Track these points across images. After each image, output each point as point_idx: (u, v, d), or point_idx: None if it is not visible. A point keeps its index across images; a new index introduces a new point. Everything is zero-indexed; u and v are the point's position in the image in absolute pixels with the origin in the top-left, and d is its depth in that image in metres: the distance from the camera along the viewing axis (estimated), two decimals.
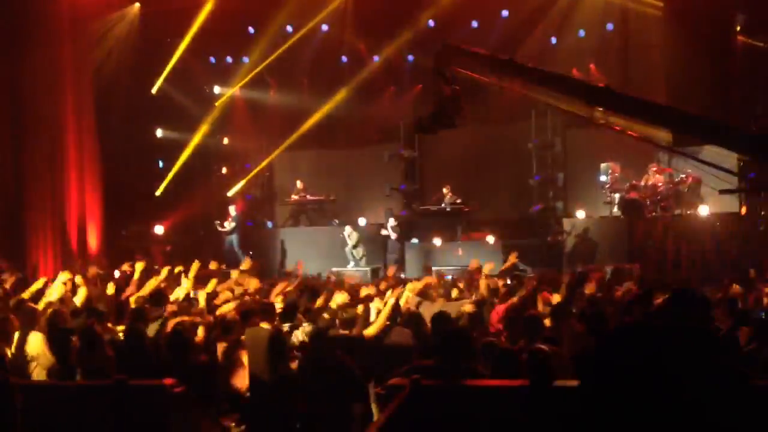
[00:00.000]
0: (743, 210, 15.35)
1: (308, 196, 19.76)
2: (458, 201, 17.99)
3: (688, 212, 15.92)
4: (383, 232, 17.68)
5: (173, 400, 5.32)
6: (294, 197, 19.82)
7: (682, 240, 15.09)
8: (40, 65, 15.23)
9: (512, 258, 10.71)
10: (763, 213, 14.46)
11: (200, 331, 7.10)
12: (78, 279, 9.45)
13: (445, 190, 18.31)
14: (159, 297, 8.31)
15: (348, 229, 17.52)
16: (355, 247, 17.29)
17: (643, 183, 16.48)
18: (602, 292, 8.90)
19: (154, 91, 18.78)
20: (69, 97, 16.04)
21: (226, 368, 6.98)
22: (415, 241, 17.57)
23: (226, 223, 18.03)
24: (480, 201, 18.47)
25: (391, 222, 17.79)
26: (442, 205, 18.15)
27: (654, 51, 17.51)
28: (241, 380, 6.97)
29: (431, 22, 18.85)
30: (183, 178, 19.35)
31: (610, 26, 18.17)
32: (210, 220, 18.61)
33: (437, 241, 17.10)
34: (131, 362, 6.12)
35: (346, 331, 7.29)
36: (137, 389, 5.15)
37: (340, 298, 8.50)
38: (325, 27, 19.13)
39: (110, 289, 9.06)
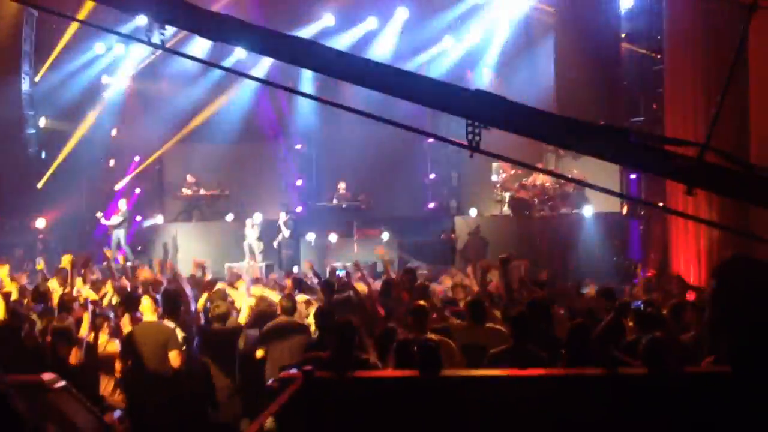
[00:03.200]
0: (624, 210, 16.07)
1: (201, 191, 19.39)
2: (355, 197, 18.10)
3: (574, 211, 16.55)
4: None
5: (53, 396, 5.10)
6: (186, 191, 19.39)
7: (566, 238, 15.69)
8: None
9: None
10: (642, 213, 15.18)
11: (83, 328, 6.85)
12: None
13: (340, 186, 18.35)
14: (41, 294, 7.99)
15: (250, 221, 17.28)
16: (259, 239, 17.09)
17: (531, 183, 17.01)
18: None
19: (37, 79, 17.93)
20: None
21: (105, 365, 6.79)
22: (310, 237, 17.51)
23: (113, 217, 17.42)
24: (375, 198, 18.63)
25: (283, 217, 17.69)
26: (336, 201, 18.19)
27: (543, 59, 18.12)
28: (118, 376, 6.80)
29: (332, 21, 18.90)
30: (68, 171, 18.54)
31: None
32: (95, 214, 17.94)
33: (333, 238, 17.11)
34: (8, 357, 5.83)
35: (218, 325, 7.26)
36: (13, 385, 4.89)
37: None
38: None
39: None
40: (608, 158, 4.08)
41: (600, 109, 16.98)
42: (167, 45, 4.47)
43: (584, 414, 4.89)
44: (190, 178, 19.34)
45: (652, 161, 3.79)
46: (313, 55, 4.00)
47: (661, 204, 13.57)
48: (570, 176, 16.55)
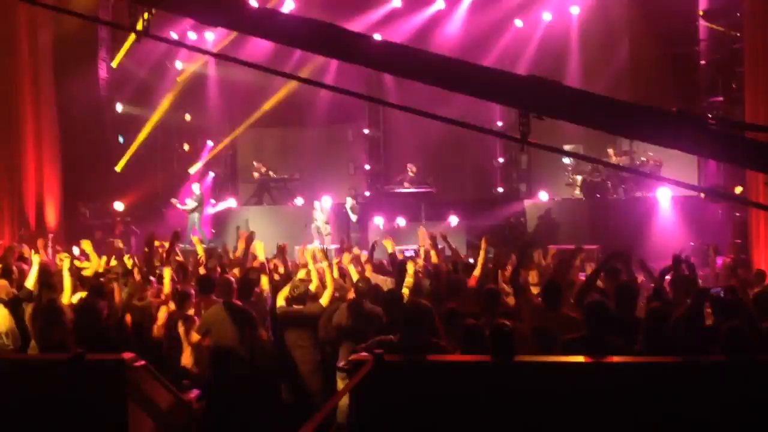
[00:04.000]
0: (702, 195, 15.59)
1: (272, 174, 19.66)
2: (423, 181, 18.06)
3: (649, 195, 16.15)
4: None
5: (132, 374, 5.25)
6: (257, 175, 19.70)
7: (641, 222, 15.34)
8: None
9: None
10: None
11: (162, 312, 7.06)
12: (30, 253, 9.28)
13: (410, 168, 18.33)
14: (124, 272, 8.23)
15: (318, 204, 17.42)
16: (327, 222, 17.21)
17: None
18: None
19: (114, 64, 18.39)
20: (26, 68, 15.60)
21: (180, 343, 6.95)
22: (378, 221, 17.55)
23: (188, 201, 17.80)
24: (443, 182, 18.55)
25: (349, 202, 17.76)
26: (406, 183, 18.17)
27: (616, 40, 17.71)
28: (192, 356, 6.95)
29: (399, 2, 18.84)
30: (144, 155, 19.03)
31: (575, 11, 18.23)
32: (171, 198, 18.37)
33: (401, 221, 17.13)
34: (88, 337, 6.01)
35: (300, 307, 7.32)
36: (95, 364, 5.07)
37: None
38: (291, 4, 18.89)
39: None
40: (682, 148, 3.76)
41: (677, 89, 16.57)
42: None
43: (661, 403, 4.78)
44: (257, 164, 19.64)
45: (730, 150, 3.45)
46: (354, 48, 3.71)
47: (740, 189, 13.13)
48: (643, 159, 16.25)
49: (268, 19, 3.73)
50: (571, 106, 3.38)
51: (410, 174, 18.28)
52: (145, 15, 3.77)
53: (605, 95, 3.52)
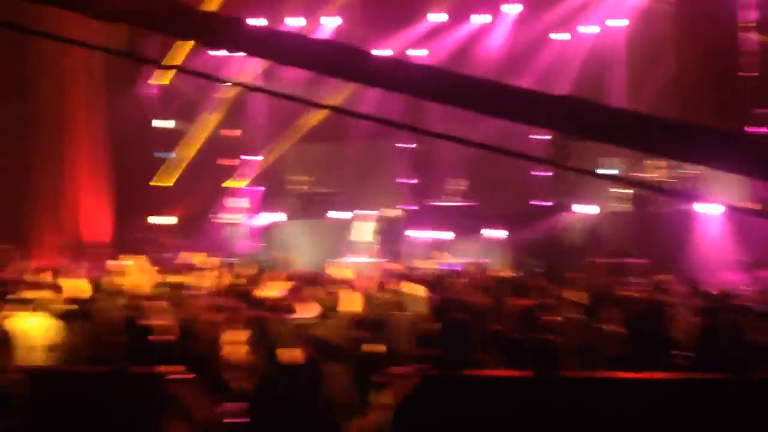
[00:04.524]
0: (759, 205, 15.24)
1: (316, 188, 19.80)
2: (467, 195, 18.01)
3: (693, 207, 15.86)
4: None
5: (176, 388, 5.33)
6: (302, 188, 19.82)
7: (684, 235, 15.09)
8: (48, 50, 15.13)
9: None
10: None
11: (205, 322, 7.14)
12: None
13: (460, 183, 18.31)
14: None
15: (363, 217, 17.41)
16: (370, 236, 17.20)
17: (649, 178, 16.40)
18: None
19: (166, 81, 18.75)
20: (80, 85, 15.96)
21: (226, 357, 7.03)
22: (424, 234, 17.44)
23: (234, 215, 18.01)
24: (488, 195, 18.44)
25: (393, 213, 17.69)
26: (457, 197, 18.11)
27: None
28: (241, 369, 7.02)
29: (445, 17, 18.91)
30: (191, 169, 19.35)
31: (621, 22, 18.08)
32: (218, 212, 18.61)
33: (446, 235, 17.11)
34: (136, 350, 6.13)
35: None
36: (139, 377, 5.16)
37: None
38: (338, 20, 19.08)
39: None
40: (730, 170, 3.59)
41: (721, 102, 16.28)
42: None
43: (708, 419, 4.70)
44: (306, 178, 19.79)
45: None
46: (358, 68, 3.49)
47: None
48: (683, 172, 15.93)
49: (272, 40, 3.63)
50: (610, 127, 3.25)
51: (461, 188, 18.25)
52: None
53: (646, 113, 3.38)
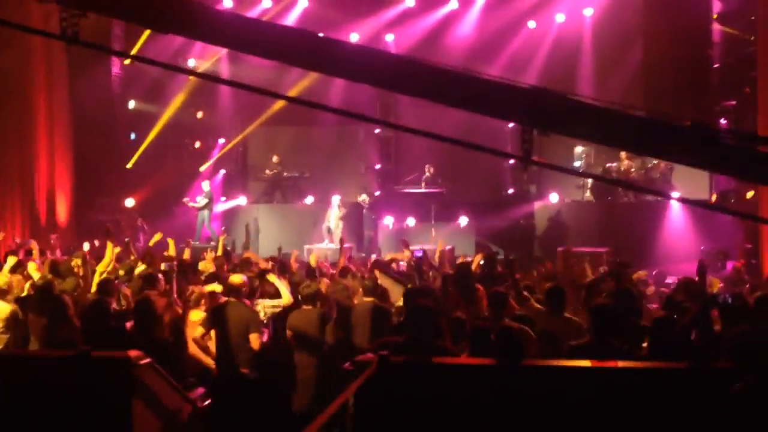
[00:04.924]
0: (713, 197, 15.53)
1: (284, 173, 19.69)
2: (434, 182, 18.06)
3: (659, 198, 16.09)
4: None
5: (138, 372, 5.27)
6: (268, 172, 19.72)
7: (650, 225, 15.31)
8: (9, 31, 14.84)
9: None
10: (732, 200, 14.62)
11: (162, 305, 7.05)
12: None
13: (427, 169, 18.31)
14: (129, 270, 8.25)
15: (336, 199, 17.31)
16: (338, 222, 17.12)
17: (615, 168, 16.60)
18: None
19: (127, 61, 18.46)
20: (40, 65, 15.69)
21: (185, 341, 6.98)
22: (388, 220, 17.54)
23: (198, 198, 17.84)
24: (453, 182, 18.51)
25: (364, 198, 17.69)
26: (423, 184, 18.13)
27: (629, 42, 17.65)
28: (202, 354, 6.98)
29: (412, 2, 18.85)
30: (155, 152, 19.10)
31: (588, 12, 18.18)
32: (181, 195, 18.41)
33: (410, 222, 17.14)
34: (96, 334, 6.04)
35: (309, 306, 7.32)
36: (101, 361, 5.08)
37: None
38: (304, 2, 18.91)
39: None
40: (695, 165, 3.56)
41: (690, 93, 16.50)
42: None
43: (667, 408, 4.76)
44: (275, 159, 19.66)
45: (745, 167, 3.27)
46: (335, 61, 3.24)
47: (752, 193, 13.04)
48: (654, 163, 16.13)
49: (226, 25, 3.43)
50: (579, 122, 3.16)
51: (427, 174, 18.25)
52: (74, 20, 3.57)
53: (615, 108, 3.30)
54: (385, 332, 6.55)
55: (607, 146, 3.11)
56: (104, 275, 8.11)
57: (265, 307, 7.59)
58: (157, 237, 11.51)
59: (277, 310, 7.59)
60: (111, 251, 8.76)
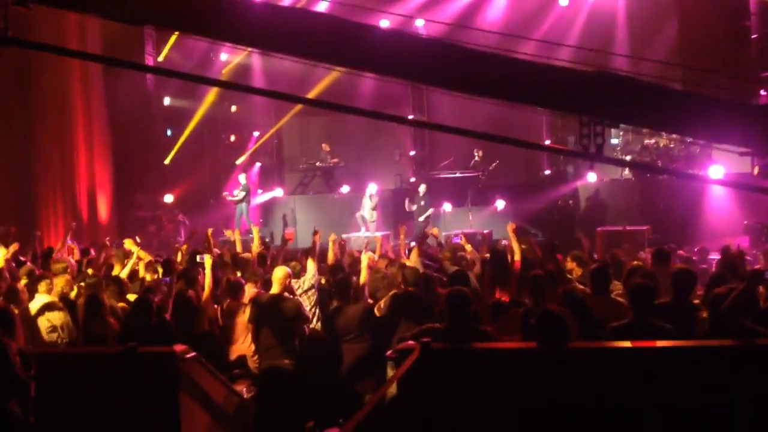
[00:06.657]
0: (756, 170, 15.17)
1: (318, 163, 19.73)
2: (488, 165, 17.87)
3: (701, 173, 15.78)
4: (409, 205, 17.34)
5: (184, 366, 5.34)
6: (320, 163, 19.67)
7: (692, 201, 15.04)
8: (45, 35, 15.08)
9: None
10: None
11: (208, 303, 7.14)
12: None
13: (476, 153, 18.15)
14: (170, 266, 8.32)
15: (371, 188, 17.29)
16: (373, 210, 17.06)
17: (654, 144, 16.33)
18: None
19: (161, 58, 18.64)
20: (77, 66, 15.92)
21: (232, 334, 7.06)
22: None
23: (236, 191, 18.00)
24: (490, 166, 18.39)
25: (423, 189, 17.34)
26: (473, 169, 17.95)
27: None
28: (246, 346, 7.05)
29: None
30: (191, 147, 19.31)
31: None
32: (219, 189, 18.60)
33: (447, 207, 17.06)
34: (140, 330, 6.12)
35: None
36: (147, 356, 5.16)
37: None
38: None
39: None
40: (735, 144, 3.20)
41: (729, 65, 16.12)
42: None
43: (715, 387, 4.70)
44: (326, 147, 19.65)
45: None
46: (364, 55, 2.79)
47: None
48: (691, 141, 15.81)
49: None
50: (653, 110, 2.69)
51: (476, 158, 18.09)
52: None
53: (689, 91, 2.92)
54: (423, 321, 6.51)
55: (683, 136, 2.74)
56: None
57: (309, 297, 7.57)
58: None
59: (311, 295, 7.51)
60: (138, 249, 8.78)
